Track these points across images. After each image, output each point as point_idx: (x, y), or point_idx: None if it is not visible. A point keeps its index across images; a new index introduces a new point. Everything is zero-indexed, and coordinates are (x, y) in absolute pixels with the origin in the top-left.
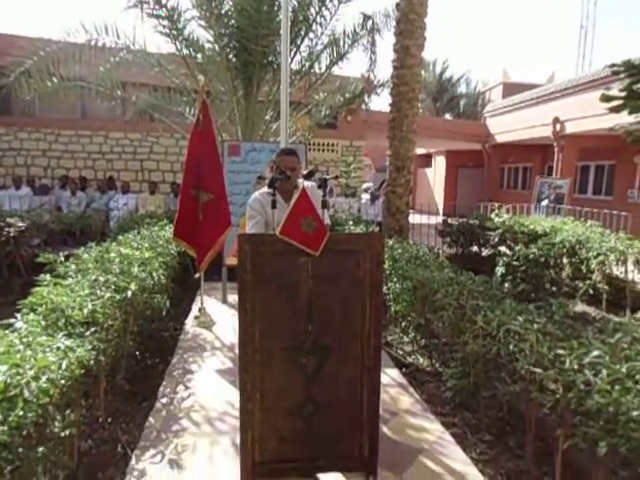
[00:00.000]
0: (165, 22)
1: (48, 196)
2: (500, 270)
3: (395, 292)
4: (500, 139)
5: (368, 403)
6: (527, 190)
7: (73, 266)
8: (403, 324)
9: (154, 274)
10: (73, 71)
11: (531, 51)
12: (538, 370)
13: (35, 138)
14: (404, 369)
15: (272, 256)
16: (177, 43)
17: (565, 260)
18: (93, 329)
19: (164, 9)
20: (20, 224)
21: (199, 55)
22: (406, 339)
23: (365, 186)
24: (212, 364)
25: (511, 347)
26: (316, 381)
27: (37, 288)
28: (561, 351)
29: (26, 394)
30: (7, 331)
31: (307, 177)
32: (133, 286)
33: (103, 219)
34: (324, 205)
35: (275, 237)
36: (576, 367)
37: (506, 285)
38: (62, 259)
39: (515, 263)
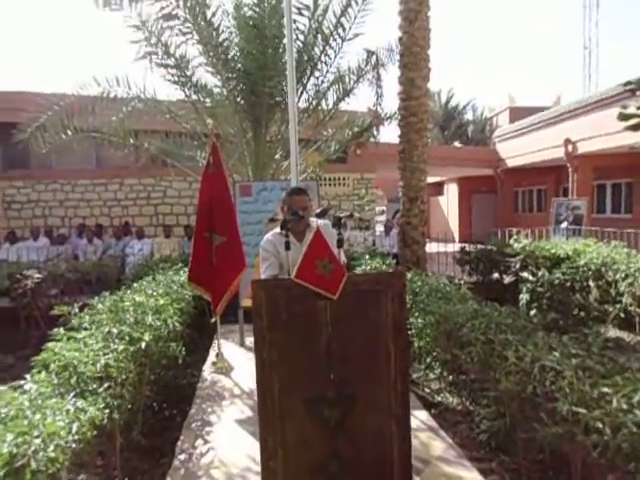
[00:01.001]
0: (173, 70)
1: (65, 245)
2: (524, 297)
3: (417, 327)
4: (511, 163)
5: (399, 455)
6: (543, 213)
7: (87, 317)
8: (428, 360)
9: (169, 321)
10: (87, 123)
11: (536, 75)
12: (582, 410)
13: (52, 189)
14: (433, 410)
15: (288, 301)
16: (186, 89)
17: (592, 284)
18: (107, 384)
19: (172, 58)
20: (37, 275)
21: (208, 100)
22: (432, 376)
23: (379, 217)
24: (231, 414)
25: (548, 384)
26: (341, 434)
27: (49, 344)
28: (605, 389)
29: (33, 465)
30: (17, 393)
31: (320, 216)
32: (147, 336)
33: (119, 265)
34: (340, 244)
35: (290, 281)
36: (625, 407)
37: (532, 312)
38: (77, 310)
39: (540, 289)
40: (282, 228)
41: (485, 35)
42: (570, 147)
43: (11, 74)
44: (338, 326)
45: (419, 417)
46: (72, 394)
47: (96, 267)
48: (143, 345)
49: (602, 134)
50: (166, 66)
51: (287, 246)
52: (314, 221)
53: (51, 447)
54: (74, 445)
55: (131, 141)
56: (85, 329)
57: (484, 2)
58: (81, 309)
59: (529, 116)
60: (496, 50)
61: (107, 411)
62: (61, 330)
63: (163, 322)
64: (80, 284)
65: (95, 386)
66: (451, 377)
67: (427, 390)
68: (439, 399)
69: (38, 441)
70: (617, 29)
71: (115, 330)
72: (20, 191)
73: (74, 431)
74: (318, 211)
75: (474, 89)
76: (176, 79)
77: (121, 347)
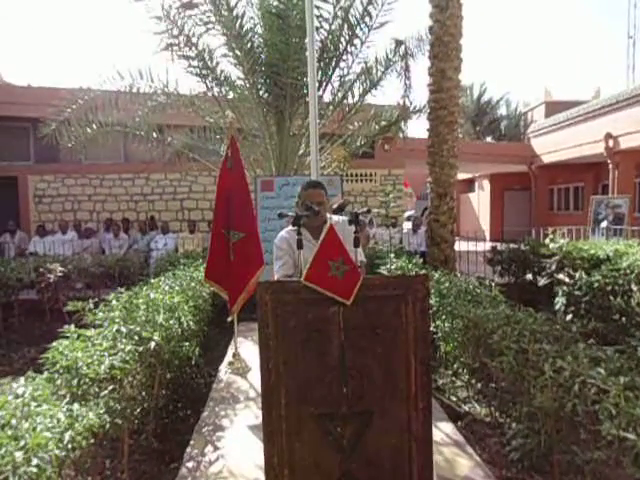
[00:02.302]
0: (195, 62)
1: (92, 239)
2: (561, 301)
3: (444, 331)
4: (547, 159)
5: None
6: (580, 211)
7: (101, 314)
8: (455, 365)
9: (182, 319)
10: (111, 117)
11: (573, 68)
12: (630, 436)
13: (81, 184)
14: (459, 422)
15: (297, 306)
16: (208, 82)
17: (634, 287)
18: (111, 387)
19: (194, 49)
20: (60, 269)
21: (231, 92)
22: (459, 383)
23: (407, 214)
24: (245, 418)
25: (590, 403)
26: (355, 455)
27: (55, 342)
28: None
29: None
30: (10, 396)
31: (337, 212)
32: (156, 336)
33: (142, 260)
34: (356, 243)
35: (300, 284)
36: None
37: (569, 317)
38: (91, 306)
39: (577, 293)
40: (294, 224)
41: (520, 27)
42: (611, 142)
43: (39, 70)
44: (352, 335)
45: (444, 430)
46: (68, 398)
47: (119, 262)
48: (152, 345)
49: None
50: (188, 57)
51: (299, 244)
52: (332, 217)
53: (34, 461)
54: (66, 453)
55: (154, 135)
56: (96, 327)
57: None
58: (96, 305)
59: (566, 111)
60: (531, 42)
61: (107, 417)
62: (72, 327)
63: (177, 320)
64: (104, 278)
65: (97, 389)
66: (479, 384)
67: (453, 398)
68: (466, 409)
69: (20, 454)
70: None
71: (124, 329)
72: (50, 185)
73: (67, 440)
74: (335, 206)
75: (508, 83)
76: (198, 71)
77: (128, 347)
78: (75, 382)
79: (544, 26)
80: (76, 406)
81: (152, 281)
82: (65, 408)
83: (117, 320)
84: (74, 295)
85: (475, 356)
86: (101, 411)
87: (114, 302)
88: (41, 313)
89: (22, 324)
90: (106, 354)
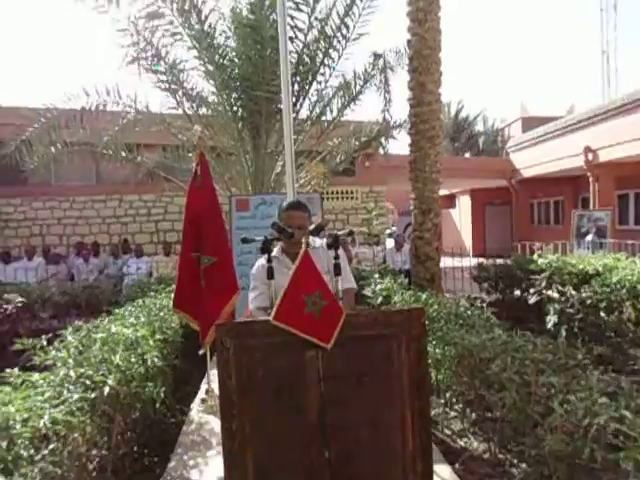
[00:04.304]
0: (164, 77)
1: (60, 265)
2: (552, 319)
3: (435, 358)
4: (527, 173)
5: None
6: (560, 225)
7: (53, 352)
8: (447, 394)
9: (147, 356)
10: (76, 136)
11: (547, 84)
12: None
13: (50, 207)
14: (457, 465)
15: (266, 352)
16: (178, 96)
17: (627, 303)
18: (51, 447)
19: (162, 62)
20: (19, 299)
21: (204, 108)
22: (453, 413)
23: (389, 231)
24: (217, 469)
25: (610, 450)
26: None
27: None
28: None
29: None
30: None
31: (314, 233)
32: (112, 379)
33: (112, 287)
34: (337, 271)
35: (269, 325)
36: None
37: (562, 335)
38: (44, 343)
39: (569, 310)
40: (263, 251)
41: (494, 46)
42: (590, 155)
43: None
44: (334, 385)
45: (441, 474)
46: None
47: (85, 290)
48: (107, 390)
49: (625, 141)
50: (156, 72)
51: (270, 274)
52: (314, 240)
53: None
54: None
55: (123, 154)
56: (47, 368)
57: (492, 11)
58: (50, 341)
59: (542, 126)
60: (506, 61)
61: None
62: (15, 370)
63: (139, 357)
64: (70, 307)
65: (33, 452)
66: (474, 415)
67: (448, 431)
68: (462, 443)
69: None
70: (635, 33)
71: (73, 373)
72: (17, 209)
73: None
74: (311, 228)
75: (484, 100)
76: (167, 86)
77: (76, 396)
78: (4, 445)
79: (518, 44)
80: None
81: (116, 311)
82: None
83: (67, 361)
84: (37, 326)
85: (471, 387)
86: None
87: (69, 337)
88: (3, 346)
89: None
90: (47, 405)
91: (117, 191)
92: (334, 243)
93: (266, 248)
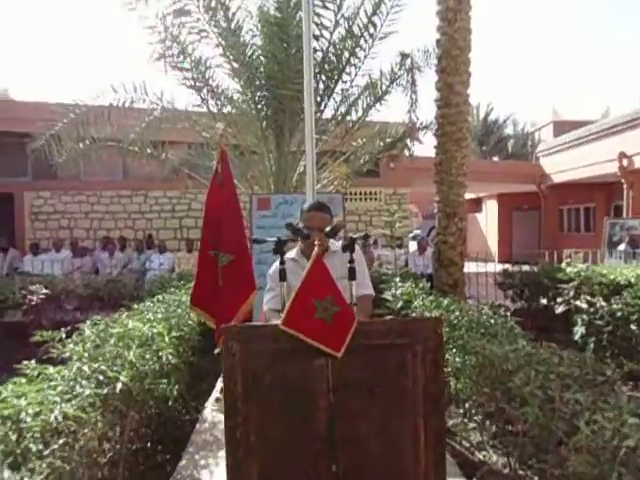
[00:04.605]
0: (190, 74)
1: (85, 258)
2: (580, 331)
3: (455, 367)
4: (557, 179)
5: None
6: (591, 232)
7: (71, 345)
8: (467, 405)
9: (162, 353)
10: (104, 132)
11: (580, 88)
12: None
13: (78, 201)
14: (474, 479)
15: (274, 358)
16: (202, 94)
17: None
18: (61, 442)
19: (188, 59)
20: (43, 291)
21: (228, 106)
22: (471, 425)
23: (412, 234)
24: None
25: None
26: None
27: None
28: None
29: None
30: None
31: (329, 235)
32: (124, 376)
33: (135, 281)
34: (352, 275)
35: (277, 330)
36: None
37: (590, 348)
38: (63, 335)
39: (598, 322)
40: (276, 251)
41: (526, 48)
42: (625, 161)
43: (31, 85)
44: (344, 395)
45: None
46: None
47: (109, 283)
48: (119, 387)
49: None
50: (182, 69)
51: (282, 275)
52: (333, 244)
53: None
54: None
55: (149, 151)
56: (64, 361)
57: (524, 11)
58: (69, 334)
59: (574, 130)
60: (538, 63)
61: None
62: (32, 363)
63: (154, 354)
64: (93, 300)
65: (42, 447)
66: (494, 427)
67: (466, 444)
68: (480, 457)
69: None
70: None
71: (86, 368)
72: (47, 202)
73: None
74: (327, 230)
75: (514, 103)
76: (192, 83)
77: (88, 391)
78: (14, 438)
79: (550, 46)
80: (5, 475)
81: (135, 306)
82: None
83: (82, 356)
84: (61, 318)
85: (491, 398)
86: (41, 477)
87: (87, 332)
88: (27, 336)
89: (5, 347)
90: (59, 399)
91: (143, 187)
92: (349, 246)
93: (279, 249)
